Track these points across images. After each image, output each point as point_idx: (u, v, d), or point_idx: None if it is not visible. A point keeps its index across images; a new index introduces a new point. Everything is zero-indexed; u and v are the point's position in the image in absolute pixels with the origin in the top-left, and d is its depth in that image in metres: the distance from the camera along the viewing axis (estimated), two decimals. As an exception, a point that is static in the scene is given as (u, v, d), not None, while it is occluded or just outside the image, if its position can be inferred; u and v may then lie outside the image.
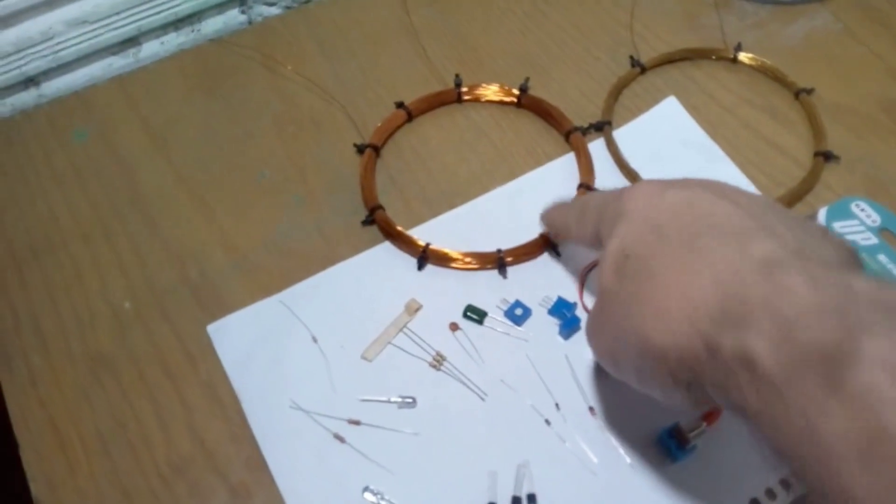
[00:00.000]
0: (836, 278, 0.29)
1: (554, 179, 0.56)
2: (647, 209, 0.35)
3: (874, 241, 0.53)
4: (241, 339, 0.49)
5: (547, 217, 0.49)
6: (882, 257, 0.52)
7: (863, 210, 0.55)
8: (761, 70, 0.61)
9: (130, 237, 0.54)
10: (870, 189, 0.55)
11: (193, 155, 0.58)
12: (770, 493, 0.44)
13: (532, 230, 0.53)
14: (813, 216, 0.51)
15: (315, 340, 0.49)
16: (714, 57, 0.62)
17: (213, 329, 0.50)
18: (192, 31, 0.67)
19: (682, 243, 0.33)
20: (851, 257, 0.33)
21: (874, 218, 0.54)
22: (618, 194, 0.38)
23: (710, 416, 0.46)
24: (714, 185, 0.36)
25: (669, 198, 0.35)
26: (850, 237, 0.53)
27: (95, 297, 0.51)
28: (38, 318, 0.51)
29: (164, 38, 0.66)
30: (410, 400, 0.47)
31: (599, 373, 0.48)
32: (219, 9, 0.67)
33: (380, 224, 0.53)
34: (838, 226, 0.53)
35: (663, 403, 0.36)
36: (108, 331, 0.50)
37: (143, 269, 0.53)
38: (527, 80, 0.60)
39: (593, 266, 0.52)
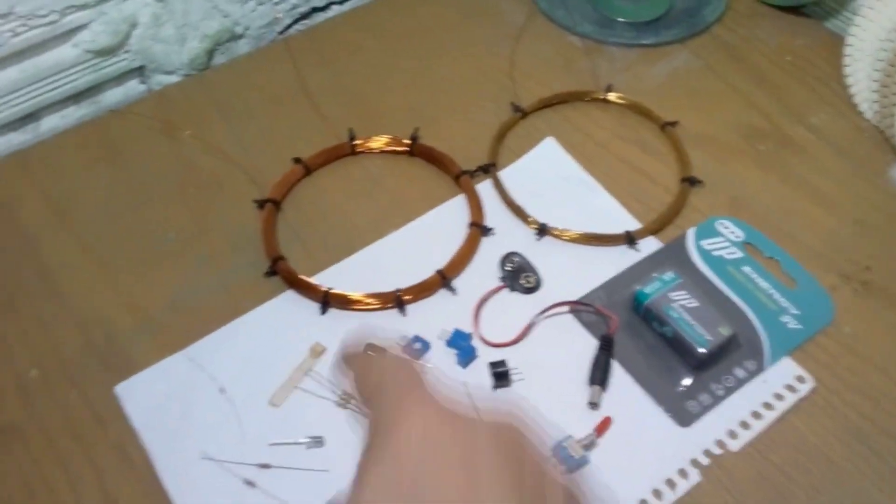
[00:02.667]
0: None
1: (446, 220, 0.59)
2: (404, 457, 0.32)
3: (739, 254, 0.58)
4: (149, 397, 0.51)
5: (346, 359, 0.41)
6: (747, 269, 0.57)
7: (727, 227, 0.60)
8: (630, 107, 0.66)
9: (35, 307, 0.55)
10: (732, 208, 0.61)
11: (96, 223, 0.59)
12: (657, 493, 0.47)
13: (428, 269, 0.56)
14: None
15: (223, 391, 0.51)
16: (587, 98, 0.67)
17: (120, 389, 0.51)
18: (92, 103, 0.69)
19: None
20: None
21: (738, 234, 0.59)
22: (396, 401, 0.34)
23: (601, 427, 0.50)
24: (471, 444, 0.32)
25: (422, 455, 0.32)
26: (717, 253, 0.58)
27: (1, 368, 0.52)
28: (-57, 394, 0.51)
29: (65, 112, 0.68)
30: (318, 439, 0.49)
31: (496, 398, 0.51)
32: (118, 81, 0.69)
33: (282, 274, 0.56)
34: (706, 244, 0.58)
35: None
36: (16, 400, 0.51)
37: (48, 337, 0.54)
38: (416, 129, 0.63)
39: (487, 297, 0.55)
